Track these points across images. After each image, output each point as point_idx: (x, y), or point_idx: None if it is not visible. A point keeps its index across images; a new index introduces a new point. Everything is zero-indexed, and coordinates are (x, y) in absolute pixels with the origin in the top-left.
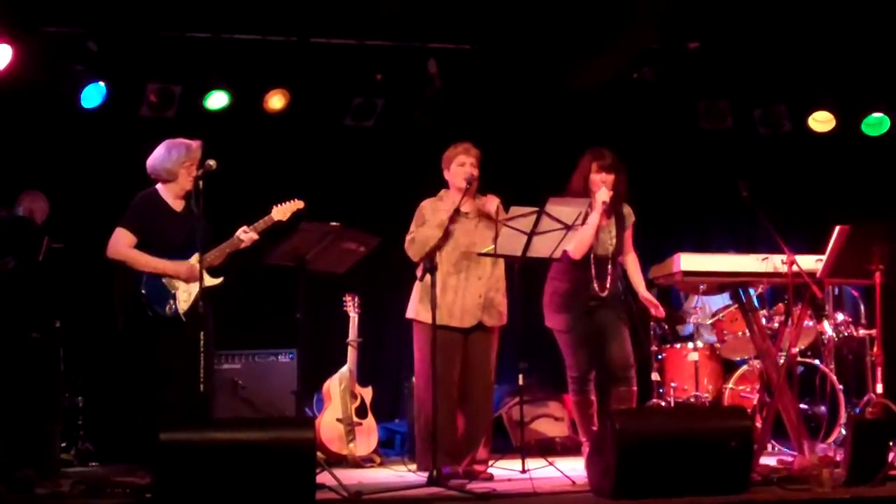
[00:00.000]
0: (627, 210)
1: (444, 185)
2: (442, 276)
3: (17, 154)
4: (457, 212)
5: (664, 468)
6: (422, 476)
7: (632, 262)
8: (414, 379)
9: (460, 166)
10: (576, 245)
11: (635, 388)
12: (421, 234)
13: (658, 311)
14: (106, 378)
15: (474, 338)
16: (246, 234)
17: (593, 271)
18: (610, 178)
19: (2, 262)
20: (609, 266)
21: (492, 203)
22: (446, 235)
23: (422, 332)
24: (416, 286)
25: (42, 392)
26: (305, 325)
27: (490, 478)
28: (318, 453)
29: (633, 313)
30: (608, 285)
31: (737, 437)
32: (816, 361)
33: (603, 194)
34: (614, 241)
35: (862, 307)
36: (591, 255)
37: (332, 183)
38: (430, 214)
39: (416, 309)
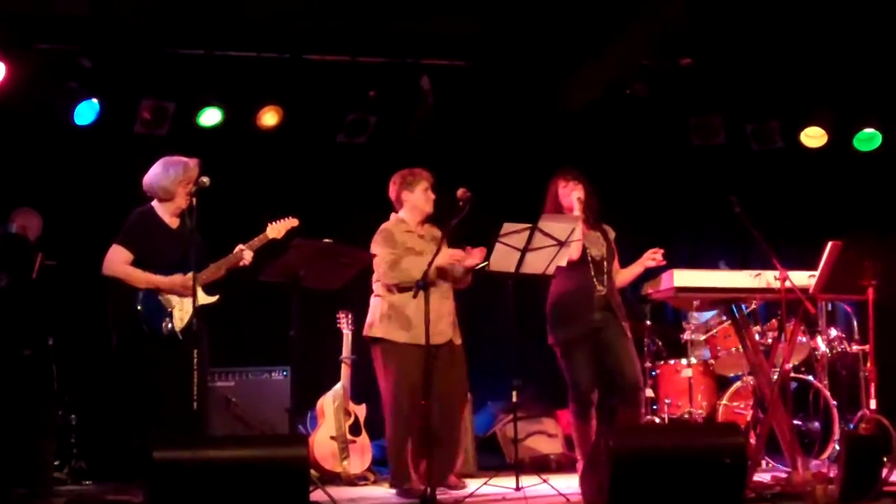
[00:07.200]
0: (607, 227)
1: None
2: (410, 295)
3: (11, 171)
4: (420, 236)
5: (658, 485)
6: (408, 499)
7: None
8: (384, 400)
9: (424, 192)
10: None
11: (644, 411)
12: (412, 262)
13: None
14: (99, 396)
15: (444, 355)
16: (246, 253)
17: (592, 270)
18: (578, 185)
19: None
20: (605, 266)
21: (474, 259)
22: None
23: (393, 352)
24: (379, 303)
25: (35, 410)
26: (299, 342)
27: (465, 487)
28: (312, 471)
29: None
30: (606, 283)
31: (731, 454)
32: (810, 377)
33: (577, 193)
34: (604, 243)
35: (855, 323)
36: (588, 254)
37: (326, 200)
38: (401, 237)
39: (386, 328)
